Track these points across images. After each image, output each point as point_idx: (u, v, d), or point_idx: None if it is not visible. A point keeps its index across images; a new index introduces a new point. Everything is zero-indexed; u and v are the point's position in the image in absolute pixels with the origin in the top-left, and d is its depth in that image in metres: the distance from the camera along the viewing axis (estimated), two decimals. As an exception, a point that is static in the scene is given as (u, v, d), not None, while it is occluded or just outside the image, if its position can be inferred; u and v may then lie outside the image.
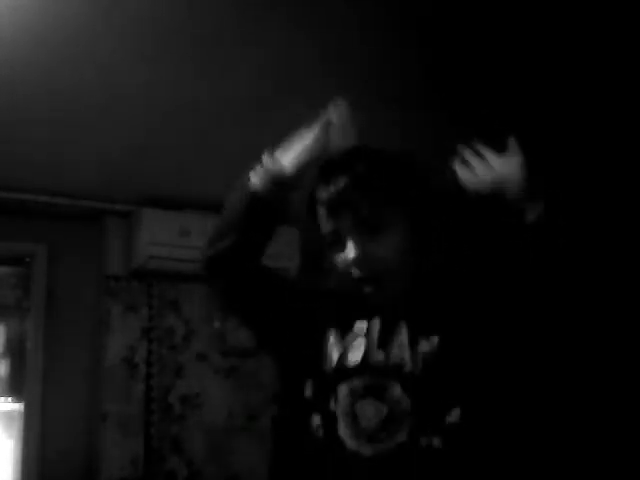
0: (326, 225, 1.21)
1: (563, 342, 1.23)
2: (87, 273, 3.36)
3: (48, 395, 3.16)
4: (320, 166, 1.28)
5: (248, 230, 1.36)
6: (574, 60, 2.28)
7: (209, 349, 3.46)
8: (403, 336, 1.14)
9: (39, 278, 3.26)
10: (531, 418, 2.95)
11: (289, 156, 1.33)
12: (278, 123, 2.65)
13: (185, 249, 3.26)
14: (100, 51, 2.13)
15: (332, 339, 1.19)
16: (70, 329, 3.27)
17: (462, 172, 1.19)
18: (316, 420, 1.14)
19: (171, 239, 3.24)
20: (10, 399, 3.27)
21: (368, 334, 1.17)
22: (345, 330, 1.19)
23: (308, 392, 1.17)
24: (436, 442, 1.06)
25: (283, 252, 3.49)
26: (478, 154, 1.19)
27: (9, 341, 3.38)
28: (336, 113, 1.28)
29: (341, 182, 1.19)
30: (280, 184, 1.31)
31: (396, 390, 1.10)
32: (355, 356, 1.15)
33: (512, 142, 1.17)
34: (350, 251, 1.16)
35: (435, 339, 1.12)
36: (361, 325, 1.18)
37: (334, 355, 1.17)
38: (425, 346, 1.12)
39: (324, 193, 1.20)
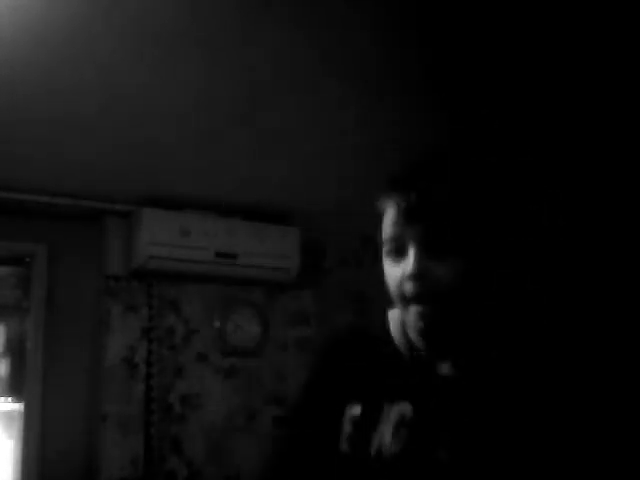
0: (391, 230, 1.13)
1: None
2: (87, 273, 3.36)
3: (48, 395, 3.16)
4: (397, 174, 1.20)
5: None
6: (574, 60, 2.28)
7: (209, 349, 3.46)
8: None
9: (39, 278, 3.26)
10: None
11: None
12: (278, 123, 2.66)
13: (185, 249, 3.26)
14: (100, 51, 2.13)
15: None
16: (70, 329, 3.27)
17: None
18: None
19: (171, 239, 3.24)
20: (10, 399, 3.27)
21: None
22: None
23: None
24: None
25: (283, 252, 3.50)
26: None
27: (9, 341, 3.38)
28: None
29: (421, 189, 1.12)
30: None
31: None
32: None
33: None
34: (410, 262, 1.08)
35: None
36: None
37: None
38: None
39: (399, 198, 1.13)
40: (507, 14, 2.04)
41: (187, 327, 3.43)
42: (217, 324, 3.49)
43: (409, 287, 1.08)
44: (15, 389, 3.27)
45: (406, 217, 1.11)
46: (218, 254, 3.33)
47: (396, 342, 1.17)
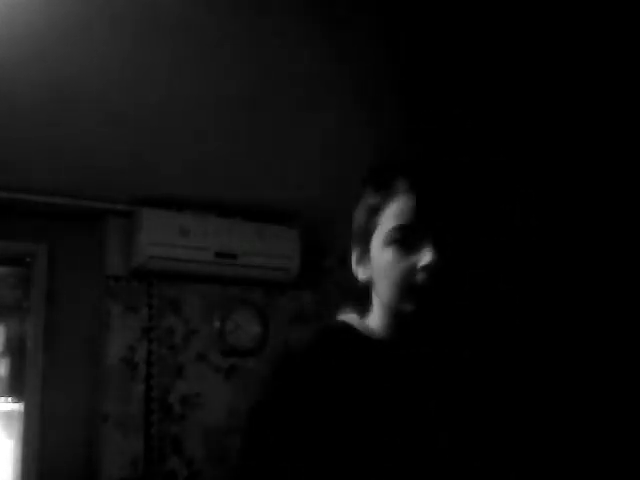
0: (403, 218, 1.12)
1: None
2: (87, 273, 3.36)
3: (48, 395, 3.16)
4: (399, 163, 1.20)
5: None
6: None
7: (209, 349, 3.46)
8: None
9: (39, 278, 3.26)
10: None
11: None
12: (278, 123, 2.66)
13: (185, 249, 3.26)
14: (100, 50, 2.13)
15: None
16: (70, 329, 3.27)
17: None
18: None
19: (171, 239, 3.24)
20: (10, 399, 3.27)
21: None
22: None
23: None
24: None
25: (283, 252, 3.50)
26: None
27: (9, 341, 3.38)
28: None
29: (437, 180, 1.14)
30: None
31: None
32: None
33: None
34: (429, 254, 1.08)
35: None
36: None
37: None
38: None
39: (414, 187, 1.13)
40: (507, 14, 2.04)
41: (187, 327, 3.43)
42: (217, 324, 3.49)
43: (422, 278, 1.09)
44: (15, 389, 3.27)
45: (429, 208, 1.11)
46: (218, 254, 3.33)
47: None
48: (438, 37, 2.16)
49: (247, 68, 2.28)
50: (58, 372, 3.20)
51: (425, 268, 1.08)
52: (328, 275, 3.82)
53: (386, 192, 1.16)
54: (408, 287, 1.10)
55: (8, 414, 3.25)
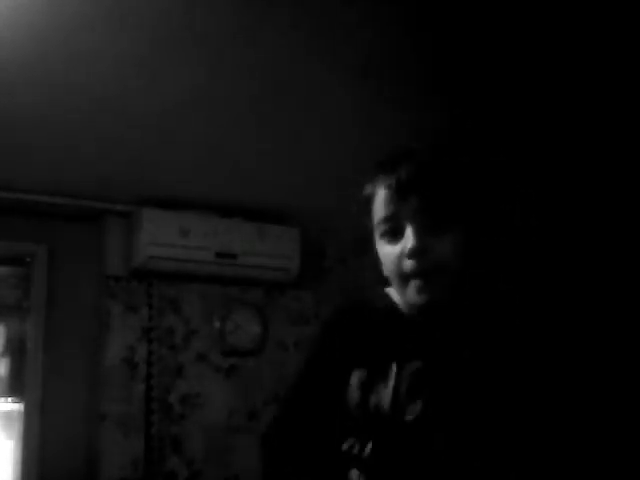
0: (384, 210, 1.14)
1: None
2: (87, 273, 3.36)
3: (48, 395, 3.16)
4: (382, 159, 1.22)
5: None
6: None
7: (209, 349, 3.46)
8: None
9: (39, 278, 3.26)
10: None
11: None
12: (278, 123, 2.66)
13: (185, 249, 3.26)
14: (100, 51, 2.13)
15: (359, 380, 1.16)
16: (70, 329, 3.27)
17: None
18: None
19: (171, 239, 3.24)
20: (10, 399, 3.27)
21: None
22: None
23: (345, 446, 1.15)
24: None
25: (283, 252, 3.50)
26: None
27: (9, 341, 3.38)
28: None
29: (411, 167, 1.14)
30: None
31: None
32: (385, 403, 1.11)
33: None
34: (408, 240, 1.09)
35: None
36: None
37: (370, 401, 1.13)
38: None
39: (389, 178, 1.14)
40: (508, 12, 2.04)
41: (187, 327, 3.43)
42: (217, 324, 3.49)
43: (409, 264, 1.10)
44: (15, 389, 3.27)
45: (399, 194, 1.12)
46: (218, 254, 3.33)
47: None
48: (438, 37, 2.16)
49: (247, 69, 2.28)
50: (58, 372, 3.20)
51: (409, 254, 1.09)
52: (328, 275, 3.82)
53: (371, 186, 1.19)
54: (402, 275, 1.12)
55: (8, 414, 3.25)
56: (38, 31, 2.00)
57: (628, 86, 2.43)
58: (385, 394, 1.11)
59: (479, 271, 1.17)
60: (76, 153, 2.81)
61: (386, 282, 1.20)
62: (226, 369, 3.48)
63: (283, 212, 3.52)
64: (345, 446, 1.13)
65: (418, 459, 1.08)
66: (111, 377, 3.22)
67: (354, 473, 1.11)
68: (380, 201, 1.15)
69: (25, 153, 2.79)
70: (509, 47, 2.20)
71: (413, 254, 1.09)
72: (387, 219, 1.14)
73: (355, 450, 1.12)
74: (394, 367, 1.12)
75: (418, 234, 1.09)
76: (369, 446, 1.10)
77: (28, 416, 3.13)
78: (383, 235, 1.15)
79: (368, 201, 1.19)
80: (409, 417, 1.08)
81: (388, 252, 1.14)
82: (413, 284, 1.11)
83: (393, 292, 1.22)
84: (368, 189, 1.20)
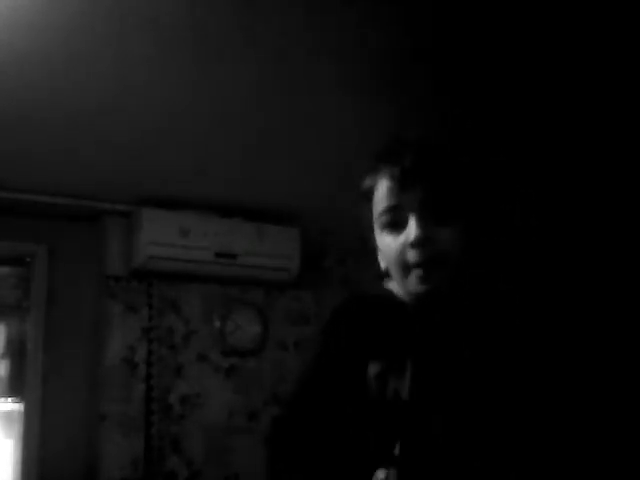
0: (387, 200, 1.13)
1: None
2: (87, 273, 3.36)
3: (48, 395, 3.16)
4: (384, 149, 1.21)
5: None
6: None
7: (209, 349, 3.46)
8: None
9: (39, 278, 3.26)
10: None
11: None
12: (278, 123, 2.66)
13: (185, 249, 3.26)
14: (100, 51, 2.13)
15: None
16: (70, 329, 3.27)
17: None
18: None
19: (171, 239, 3.24)
20: (10, 399, 3.27)
21: None
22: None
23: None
24: None
25: (283, 252, 3.50)
26: None
27: (9, 341, 3.38)
28: None
29: (415, 157, 1.13)
30: None
31: None
32: None
33: None
34: (412, 230, 1.09)
35: None
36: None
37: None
38: None
39: (392, 169, 1.13)
40: (508, 8, 2.04)
41: (187, 327, 3.43)
42: (217, 324, 3.49)
43: (412, 254, 1.09)
44: (15, 389, 3.27)
45: (403, 184, 1.11)
46: (218, 254, 3.33)
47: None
48: (439, 37, 2.16)
49: (247, 69, 2.28)
50: (58, 372, 3.20)
51: (412, 244, 1.09)
52: (328, 275, 3.82)
53: (373, 177, 1.18)
54: (405, 266, 1.11)
55: (8, 414, 3.25)
56: (38, 31, 2.00)
57: (628, 85, 2.43)
58: (403, 384, 1.10)
59: (478, 263, 1.17)
60: (76, 153, 2.81)
61: (386, 276, 1.20)
62: (226, 369, 3.48)
63: (283, 212, 3.52)
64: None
65: (446, 450, 1.07)
66: (111, 377, 3.22)
67: (381, 473, 1.08)
68: (383, 191, 1.14)
69: (25, 153, 2.79)
70: (511, 44, 2.20)
71: (416, 244, 1.08)
72: (390, 209, 1.13)
73: (382, 449, 1.09)
74: (409, 361, 1.12)
75: (421, 224, 1.09)
76: (397, 444, 1.08)
77: (28, 416, 3.13)
78: (385, 226, 1.14)
79: (369, 192, 1.18)
80: (427, 408, 1.08)
81: (390, 243, 1.13)
82: (415, 274, 1.10)
83: (393, 286, 1.22)
84: (369, 179, 1.19)
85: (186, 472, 3.29)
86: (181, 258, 3.26)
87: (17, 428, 3.18)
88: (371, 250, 1.23)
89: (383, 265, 1.20)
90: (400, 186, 1.12)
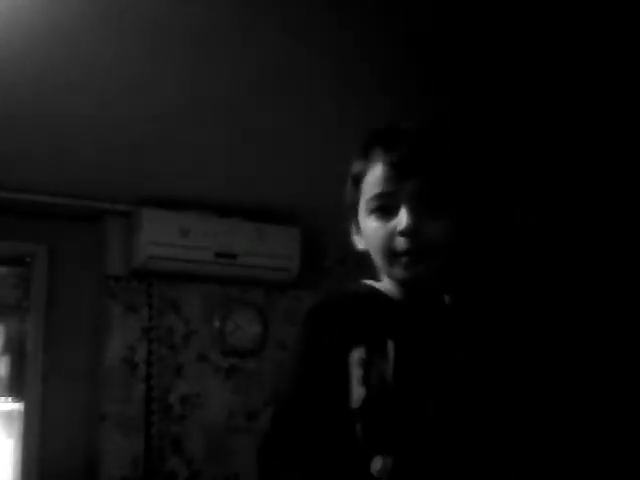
0: (380, 186, 1.13)
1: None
2: (87, 273, 3.36)
3: (48, 395, 3.16)
4: (378, 132, 1.21)
5: None
6: (571, 58, 2.28)
7: (209, 349, 3.46)
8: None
9: (39, 278, 3.26)
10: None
11: None
12: (278, 123, 2.66)
13: (185, 249, 3.26)
14: (100, 51, 2.13)
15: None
16: (70, 329, 3.27)
17: None
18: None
19: (171, 239, 3.24)
20: (10, 399, 3.27)
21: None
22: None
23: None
24: None
25: (283, 252, 3.50)
26: None
27: (9, 341, 3.38)
28: None
29: (414, 146, 1.13)
30: None
31: None
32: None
33: None
34: (403, 219, 1.10)
35: None
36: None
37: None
38: None
39: (389, 154, 1.13)
40: (507, 7, 2.04)
41: (187, 327, 3.43)
42: (217, 324, 3.49)
43: (401, 242, 1.10)
44: (15, 389, 3.27)
45: (399, 172, 1.11)
46: (218, 254, 3.33)
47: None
48: (438, 35, 2.16)
49: (247, 68, 2.28)
50: (58, 372, 3.19)
51: (402, 232, 1.10)
52: (328, 275, 3.82)
53: (365, 160, 1.18)
54: (390, 254, 1.12)
55: (8, 414, 3.25)
56: (38, 31, 2.00)
57: (629, 84, 2.43)
58: (386, 368, 1.10)
59: (466, 257, 1.19)
60: (76, 153, 2.81)
61: (367, 269, 1.19)
62: (226, 369, 3.48)
63: (283, 212, 3.52)
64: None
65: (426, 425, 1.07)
66: (111, 377, 3.22)
67: (377, 461, 1.07)
68: (376, 177, 1.14)
69: (25, 153, 2.79)
70: (511, 42, 2.20)
71: (407, 233, 1.09)
72: (382, 196, 1.13)
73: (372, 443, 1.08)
74: (390, 343, 1.11)
75: (413, 215, 1.10)
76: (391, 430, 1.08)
77: (28, 416, 3.13)
78: (374, 211, 1.14)
79: (360, 175, 1.18)
80: (411, 389, 1.08)
81: (377, 228, 1.13)
82: (402, 261, 1.11)
83: (372, 282, 1.22)
84: (361, 163, 1.19)
85: (186, 472, 3.29)
86: (181, 258, 3.26)
87: (17, 428, 3.18)
88: (346, 230, 1.23)
89: (361, 246, 1.21)
90: (396, 174, 1.12)
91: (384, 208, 1.13)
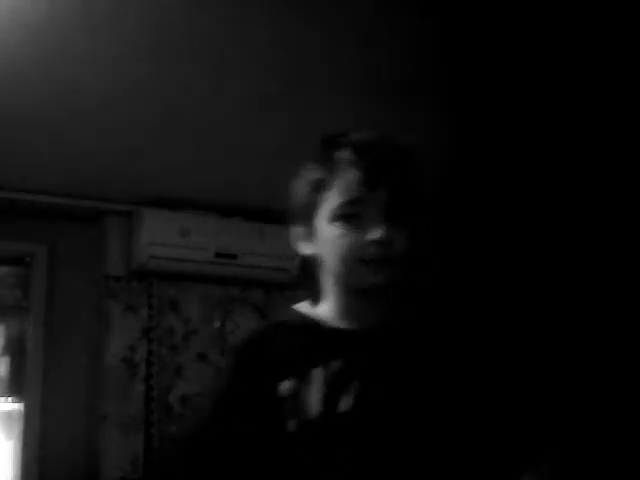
0: (349, 193, 1.10)
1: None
2: (87, 273, 3.35)
3: (48, 395, 3.16)
4: (345, 135, 1.18)
5: None
6: (571, 58, 2.28)
7: (209, 349, 3.46)
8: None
9: (39, 278, 3.26)
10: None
11: None
12: (279, 123, 2.66)
13: (185, 249, 3.26)
14: (100, 51, 2.13)
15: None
16: (70, 329, 3.27)
17: None
18: None
19: (171, 239, 3.24)
20: (10, 399, 3.27)
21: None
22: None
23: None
24: None
25: (283, 252, 3.50)
26: None
27: (9, 341, 3.38)
28: None
29: (388, 155, 1.11)
30: None
31: None
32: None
33: None
34: (374, 228, 1.08)
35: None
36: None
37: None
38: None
39: (362, 160, 1.10)
40: (509, 10, 2.05)
41: (187, 327, 3.43)
42: (217, 324, 3.49)
43: (372, 251, 1.08)
44: (15, 389, 3.27)
45: (372, 180, 1.09)
46: (218, 254, 3.33)
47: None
48: (437, 38, 2.16)
49: (247, 68, 2.28)
50: (58, 372, 3.19)
51: (375, 242, 1.08)
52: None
53: (330, 165, 1.14)
54: (358, 262, 1.10)
55: (8, 414, 3.25)
56: (37, 31, 2.00)
57: (629, 84, 2.43)
58: (312, 398, 1.08)
59: (421, 265, 1.19)
60: (76, 153, 2.81)
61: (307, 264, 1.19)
62: (226, 369, 3.47)
63: (283, 212, 3.52)
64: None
65: (357, 453, 1.05)
66: (111, 377, 3.22)
67: None
68: (346, 182, 1.11)
69: (25, 153, 2.79)
70: (509, 43, 2.20)
71: (380, 243, 1.08)
72: (352, 203, 1.10)
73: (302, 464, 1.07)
74: (318, 371, 1.09)
75: (385, 224, 1.08)
76: (310, 458, 1.06)
77: (28, 416, 3.13)
78: (339, 218, 1.11)
79: (324, 179, 1.15)
80: (339, 417, 1.06)
81: (342, 236, 1.10)
82: (368, 269, 1.09)
83: (302, 306, 1.23)
84: (325, 167, 1.15)
85: (186, 472, 3.28)
86: (181, 258, 3.26)
87: (17, 428, 3.18)
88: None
89: (309, 252, 1.20)
90: (369, 181, 1.09)
91: (352, 215, 1.10)
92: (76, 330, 3.29)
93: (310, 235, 1.19)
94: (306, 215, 1.18)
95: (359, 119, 2.64)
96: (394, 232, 1.09)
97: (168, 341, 3.38)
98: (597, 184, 3.10)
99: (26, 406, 3.15)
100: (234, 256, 3.37)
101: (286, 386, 1.09)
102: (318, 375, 1.09)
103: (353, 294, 1.15)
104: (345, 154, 1.13)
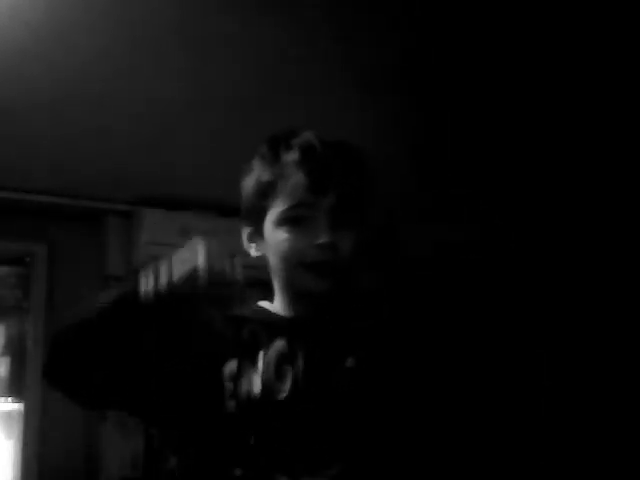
0: (297, 196, 1.10)
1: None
2: (87, 273, 3.35)
3: (48, 395, 3.15)
4: (292, 139, 1.17)
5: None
6: (571, 58, 2.28)
7: (209, 349, 3.45)
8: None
9: (39, 278, 3.26)
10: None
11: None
12: (279, 123, 2.65)
13: (185, 249, 3.26)
14: (100, 51, 2.13)
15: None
16: (70, 329, 3.27)
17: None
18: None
19: (171, 239, 3.23)
20: (10, 399, 3.27)
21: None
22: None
23: None
24: None
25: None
26: None
27: (9, 341, 3.38)
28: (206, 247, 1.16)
29: (338, 159, 1.12)
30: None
31: None
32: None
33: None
34: (322, 232, 1.08)
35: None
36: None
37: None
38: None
39: (311, 164, 1.10)
40: (502, 11, 2.05)
41: (187, 327, 3.43)
42: (217, 324, 3.48)
43: (317, 254, 1.09)
44: (15, 389, 3.26)
45: (321, 184, 1.10)
46: (218, 254, 3.33)
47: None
48: (435, 38, 2.17)
49: (247, 68, 2.28)
50: (58, 372, 3.19)
51: (319, 247, 1.08)
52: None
53: (278, 167, 1.14)
54: (301, 266, 1.10)
55: (8, 414, 3.24)
56: (37, 29, 2.00)
57: (629, 84, 2.43)
58: (255, 379, 1.09)
59: (363, 269, 1.19)
60: (76, 153, 2.81)
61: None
62: (226, 369, 3.47)
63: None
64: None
65: (297, 436, 1.06)
66: (111, 377, 3.21)
67: (238, 470, 1.06)
68: (293, 186, 1.11)
69: (25, 153, 2.79)
70: (509, 42, 2.21)
71: (324, 248, 1.08)
72: (299, 206, 1.11)
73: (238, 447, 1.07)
74: (261, 353, 1.11)
75: (332, 228, 1.09)
76: (252, 438, 1.06)
77: (28, 416, 3.13)
78: (286, 222, 1.12)
79: (271, 182, 1.14)
80: (280, 397, 1.07)
81: (288, 239, 1.11)
82: (312, 273, 1.10)
83: (262, 303, 1.24)
84: (271, 169, 1.15)
85: (186, 472, 3.28)
86: (181, 258, 3.26)
87: (17, 428, 3.18)
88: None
89: (257, 253, 1.20)
90: (317, 186, 1.09)
91: (297, 219, 1.11)
92: (76, 330, 3.28)
93: (258, 237, 1.19)
94: (255, 217, 1.19)
95: (360, 120, 2.64)
96: (339, 237, 1.09)
97: (168, 341, 3.37)
98: (589, 183, 3.10)
99: (26, 406, 3.15)
100: (234, 256, 3.36)
101: (231, 366, 1.10)
102: (260, 357, 1.10)
103: (297, 297, 1.16)
104: (293, 156, 1.13)
